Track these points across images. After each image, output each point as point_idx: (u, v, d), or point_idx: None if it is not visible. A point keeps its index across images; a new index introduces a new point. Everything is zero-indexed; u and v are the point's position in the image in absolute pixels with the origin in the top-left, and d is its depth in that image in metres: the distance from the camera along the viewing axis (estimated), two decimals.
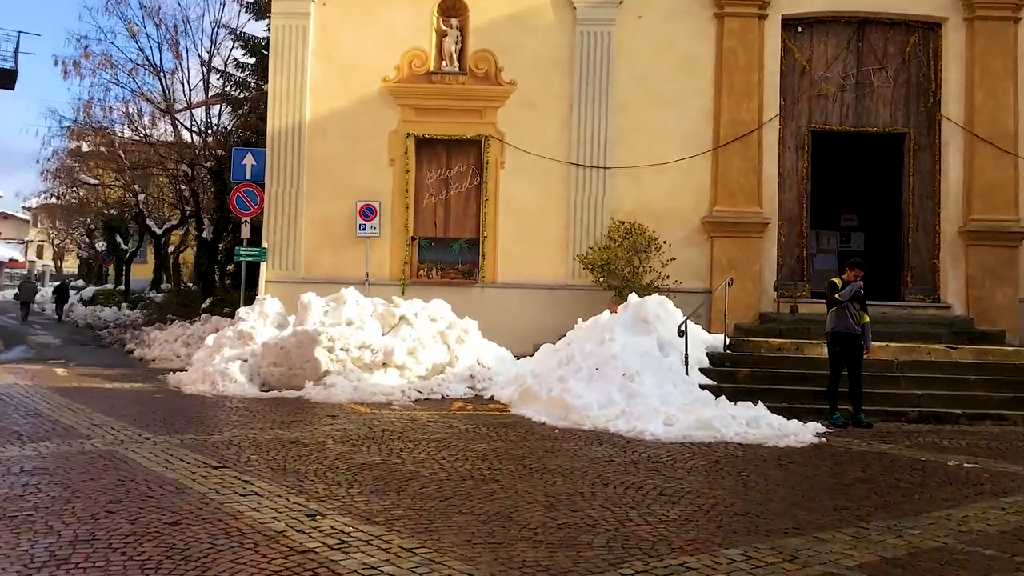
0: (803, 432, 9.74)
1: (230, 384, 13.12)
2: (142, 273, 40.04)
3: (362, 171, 16.53)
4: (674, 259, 15.38)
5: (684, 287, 15.02)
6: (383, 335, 13.80)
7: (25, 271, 66.44)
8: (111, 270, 45.21)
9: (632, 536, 5.49)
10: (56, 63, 25.47)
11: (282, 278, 16.47)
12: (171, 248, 36.97)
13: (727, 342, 12.83)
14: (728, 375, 12.14)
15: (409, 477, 7.08)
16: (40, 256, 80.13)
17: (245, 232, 17.69)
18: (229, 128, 26.46)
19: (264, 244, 16.69)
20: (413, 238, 16.71)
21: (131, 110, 27.24)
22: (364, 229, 16.35)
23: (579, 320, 13.33)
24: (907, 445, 9.58)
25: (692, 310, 12.80)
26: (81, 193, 37.65)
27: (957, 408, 11.38)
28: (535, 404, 11.16)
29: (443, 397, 12.68)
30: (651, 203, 16.08)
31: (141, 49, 25.08)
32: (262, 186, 17.03)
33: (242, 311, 14.97)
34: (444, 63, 16.79)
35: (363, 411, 11.26)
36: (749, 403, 10.64)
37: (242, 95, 26.91)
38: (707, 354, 12.46)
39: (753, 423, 9.77)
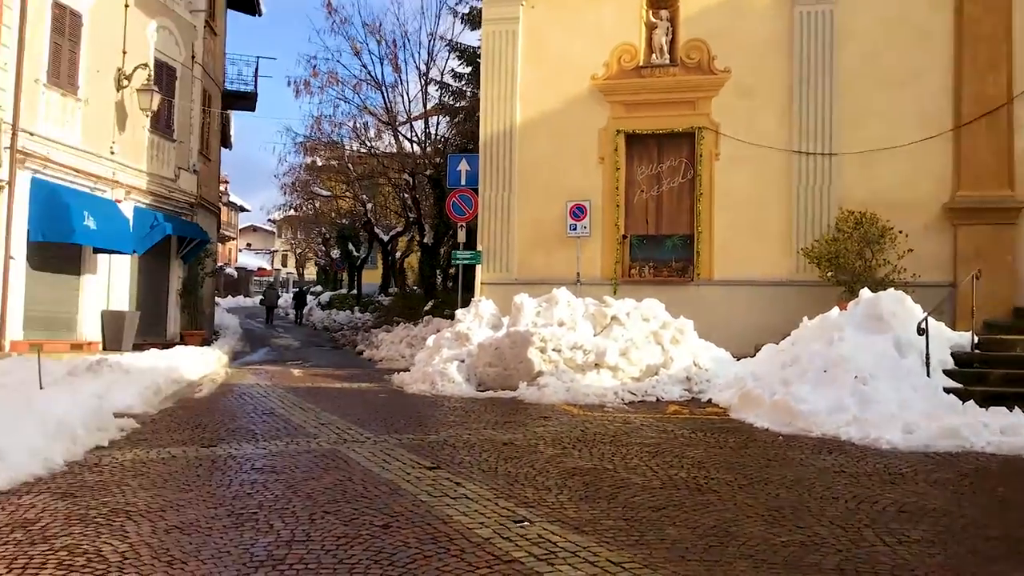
0: None
1: (448, 384, 13.41)
2: (372, 278, 42.26)
3: (571, 171, 16.46)
4: (911, 250, 14.15)
5: (923, 281, 13.78)
6: (595, 335, 13.61)
7: (271, 279, 72.20)
8: (345, 276, 48.07)
9: (867, 559, 4.92)
10: (289, 84, 27.34)
11: (497, 280, 16.70)
12: (398, 254, 38.74)
13: (975, 341, 11.56)
14: (977, 377, 10.91)
15: (620, 484, 6.80)
16: (284, 264, 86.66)
17: (461, 236, 18.10)
18: (447, 136, 27.31)
19: (479, 247, 16.99)
20: (624, 236, 16.42)
21: (357, 124, 28.86)
22: (575, 229, 16.25)
23: (804, 318, 12.50)
24: None
25: (933, 306, 11.65)
26: (316, 205, 40.32)
27: None
28: (756, 408, 10.53)
29: (657, 399, 12.30)
30: (883, 190, 14.89)
31: (364, 65, 26.46)
32: (476, 191, 17.36)
33: (459, 313, 15.29)
34: (654, 56, 16.41)
35: (575, 413, 11.10)
36: (1003, 409, 9.48)
37: (459, 104, 27.75)
38: (952, 354, 11.27)
39: (1009, 431, 8.68)
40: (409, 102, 26.74)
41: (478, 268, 17.01)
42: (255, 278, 74.05)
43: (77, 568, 4.59)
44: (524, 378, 13.03)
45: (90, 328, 18.36)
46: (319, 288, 53.14)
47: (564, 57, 16.66)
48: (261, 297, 42.77)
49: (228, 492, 6.41)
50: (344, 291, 45.22)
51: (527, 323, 14.02)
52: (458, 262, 17.77)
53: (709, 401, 12.12)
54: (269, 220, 77.37)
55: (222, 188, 68.69)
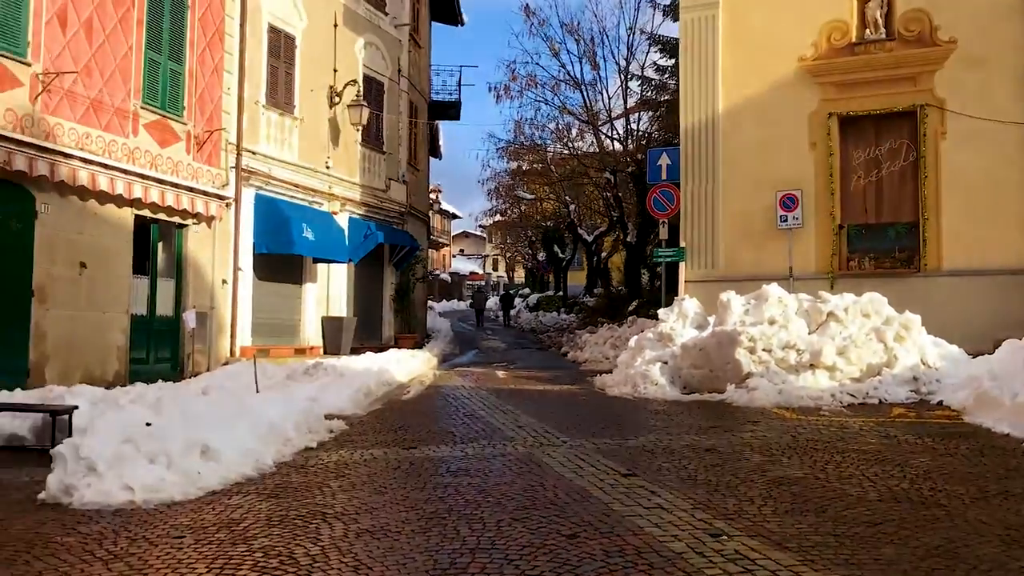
0: None
1: (651, 386, 13.02)
2: (578, 279, 42.35)
3: (780, 159, 15.58)
4: None
5: None
6: (809, 334, 12.74)
7: (482, 283, 74.25)
8: (551, 277, 48.52)
9: None
10: (490, 90, 27.83)
11: (701, 277, 16.09)
12: (603, 254, 38.58)
13: None
14: None
15: (832, 495, 6.19)
16: (495, 268, 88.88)
17: (663, 233, 17.62)
18: (649, 132, 26.81)
19: (682, 244, 16.44)
20: (841, 226, 15.34)
21: (559, 125, 28.98)
22: (785, 221, 15.36)
23: None
24: None
25: None
26: (521, 208, 40.92)
27: None
28: (995, 411, 9.40)
29: (880, 402, 11.32)
30: None
31: (563, 65, 26.47)
32: (678, 185, 16.83)
33: (662, 312, 14.84)
34: (868, 31, 15.25)
35: (787, 417, 10.40)
36: None
37: (661, 98, 27.19)
38: None
39: None
40: (609, 99, 26.52)
41: (682, 266, 16.46)
42: (467, 282, 76.39)
43: (270, 571, 4.67)
44: (732, 380, 12.40)
45: (312, 333, 19.44)
46: (527, 290, 53.98)
47: (768, 39, 15.80)
48: (471, 300, 44.03)
49: (421, 495, 6.40)
50: (551, 293, 45.63)
51: (734, 322, 13.35)
52: (660, 260, 17.30)
53: (939, 403, 11.00)
54: (479, 226, 79.46)
55: (434, 196, 71.43)
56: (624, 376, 13.84)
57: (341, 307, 20.46)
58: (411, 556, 4.87)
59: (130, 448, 6.63)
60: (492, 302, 49.26)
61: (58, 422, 8.40)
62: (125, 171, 13.77)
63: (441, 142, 34.87)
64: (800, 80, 15.58)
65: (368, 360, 16.09)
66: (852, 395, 11.54)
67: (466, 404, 12.13)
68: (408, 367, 16.54)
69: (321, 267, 19.70)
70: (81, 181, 12.85)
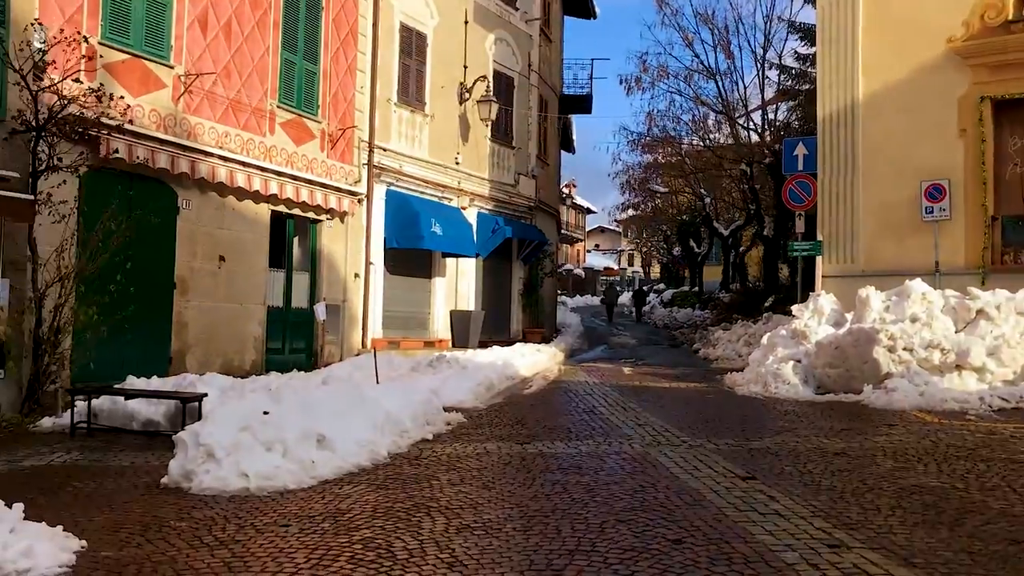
0: None
1: (782, 385, 12.49)
2: (714, 274, 41.34)
3: (925, 147, 14.60)
4: None
5: None
6: (955, 332, 11.91)
7: (616, 278, 73.69)
8: (687, 273, 47.57)
9: None
10: (621, 82, 27.45)
11: (839, 272, 15.30)
12: (741, 248, 37.49)
13: None
14: None
15: (970, 508, 5.70)
16: (631, 264, 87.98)
17: (799, 226, 16.90)
18: (786, 122, 25.83)
19: (818, 237, 15.70)
20: (994, 218, 14.26)
21: (696, 117, 28.30)
22: (931, 212, 14.42)
23: None
24: None
25: None
26: (656, 202, 40.25)
27: None
28: None
29: None
30: None
31: (696, 55, 25.79)
32: (815, 176, 16.08)
33: (796, 308, 14.24)
34: None
35: (928, 421, 9.73)
36: None
37: (800, 87, 26.16)
38: None
39: None
40: (745, 88, 25.69)
41: (818, 260, 15.70)
42: (601, 278, 75.89)
43: (365, 563, 4.66)
44: (869, 380, 11.73)
45: (441, 327, 19.69)
46: (662, 286, 53.16)
47: (913, 20, 14.83)
48: (602, 296, 43.75)
49: (527, 492, 6.29)
50: (685, 288, 44.74)
51: (873, 319, 12.64)
52: (796, 254, 16.56)
53: None
54: (614, 221, 78.94)
55: (567, 191, 71.36)
56: (755, 374, 13.34)
57: (469, 301, 20.63)
58: (508, 555, 4.77)
59: (247, 436, 6.81)
60: (625, 298, 48.74)
61: (188, 409, 8.76)
62: (262, 168, 14.28)
63: (574, 136, 34.72)
64: (948, 63, 14.54)
65: (493, 354, 16.15)
66: (1004, 399, 10.69)
67: (587, 400, 11.96)
68: (532, 361, 16.50)
69: (450, 261, 19.92)
70: (220, 178, 13.40)
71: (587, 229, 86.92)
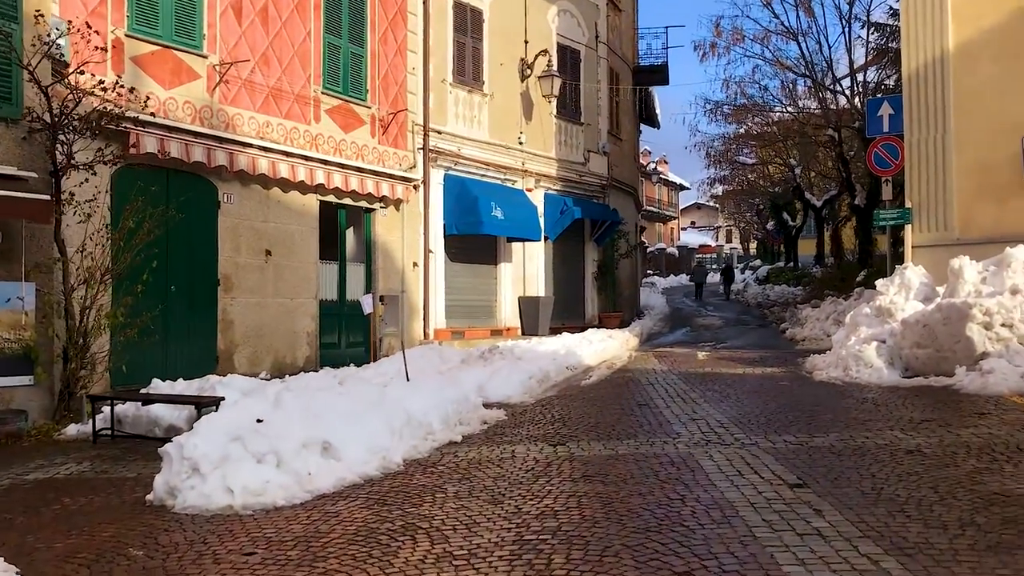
0: None
1: (864, 369, 11.34)
2: (809, 249, 39.45)
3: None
4: None
5: None
6: None
7: (712, 256, 71.70)
8: (781, 248, 45.64)
9: None
10: (695, 48, 26.10)
11: (931, 241, 13.92)
12: (837, 221, 35.55)
13: None
14: None
15: None
16: (729, 240, 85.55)
17: (886, 192, 15.52)
18: (877, 81, 24.07)
19: (907, 204, 14.32)
20: None
21: (783, 83, 26.70)
22: None
23: None
24: None
25: None
26: (746, 175, 38.52)
27: None
28: None
29: None
30: None
31: (775, 15, 24.27)
32: (902, 138, 14.68)
33: (880, 283, 12.98)
34: None
35: None
36: None
37: (892, 44, 24.33)
38: None
39: None
40: (829, 48, 24.08)
41: (907, 229, 14.34)
42: (696, 256, 73.94)
43: None
44: (962, 361, 10.48)
45: (509, 314, 19.02)
46: (757, 262, 51.22)
47: None
48: (691, 274, 42.41)
49: (536, 507, 5.53)
50: (780, 264, 42.87)
51: (968, 292, 11.35)
52: (882, 223, 15.18)
53: None
54: (710, 197, 77.19)
55: (661, 168, 69.60)
56: (836, 357, 12.19)
57: (539, 286, 19.88)
58: None
59: (237, 447, 6.26)
60: (715, 277, 47.14)
61: (205, 414, 8.30)
62: (307, 158, 13.84)
63: (658, 110, 33.42)
64: None
65: (556, 342, 15.39)
66: None
67: (646, 391, 11.08)
68: (600, 348, 15.66)
69: (516, 246, 19.20)
70: (262, 169, 13.00)
71: (681, 206, 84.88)
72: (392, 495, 6.09)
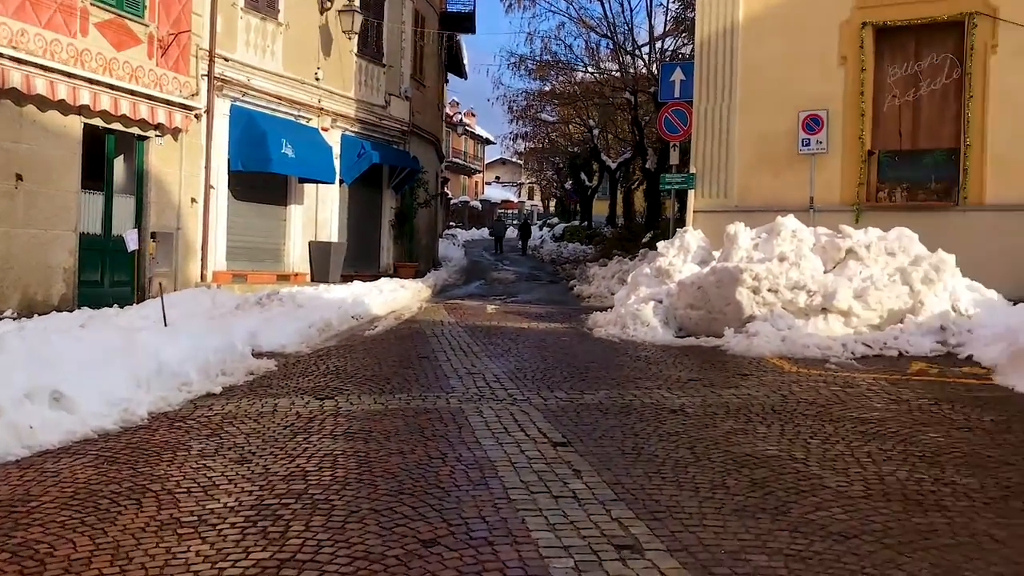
0: None
1: (641, 328, 11.61)
2: (604, 209, 40.67)
3: (805, 75, 13.79)
4: None
5: None
6: (825, 273, 11.19)
7: (514, 211, 72.71)
8: (578, 207, 46.82)
9: None
10: None
11: (712, 207, 14.50)
12: (632, 184, 36.75)
13: None
14: None
15: (804, 487, 4.79)
16: (531, 197, 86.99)
17: (674, 157, 16.01)
18: (675, 50, 24.81)
19: (692, 169, 14.80)
20: (871, 152, 13.59)
21: (587, 44, 26.97)
22: (808, 144, 13.66)
23: None
24: None
25: None
26: (548, 133, 38.96)
27: None
28: None
29: (900, 354, 9.80)
30: None
31: None
32: (692, 104, 15.11)
33: (661, 245, 13.35)
34: None
35: (786, 369, 8.96)
36: None
37: (691, 14, 25.09)
38: None
39: None
40: (631, 11, 24.53)
41: (690, 194, 14.85)
42: (499, 211, 74.74)
43: None
44: (731, 323, 10.94)
45: (298, 259, 18.22)
46: (555, 220, 52.36)
47: None
48: (490, 229, 42.86)
49: (284, 468, 5.11)
50: (576, 223, 44.01)
51: (741, 257, 11.84)
52: (668, 187, 15.67)
53: (968, 358, 9.44)
54: (514, 152, 77.85)
55: (468, 121, 69.35)
56: (616, 315, 12.43)
57: (332, 231, 19.18)
58: (195, 569, 3.58)
59: None
60: (513, 231, 47.84)
61: None
62: (70, 75, 12.45)
63: (465, 60, 32.99)
64: None
65: (345, 291, 14.87)
66: (867, 345, 10.04)
67: (429, 344, 10.84)
68: (391, 299, 15.29)
69: (309, 188, 18.37)
70: (13, 83, 11.55)
71: (487, 161, 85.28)
72: (127, 452, 5.47)
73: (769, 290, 10.92)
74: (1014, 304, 10.87)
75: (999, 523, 4.21)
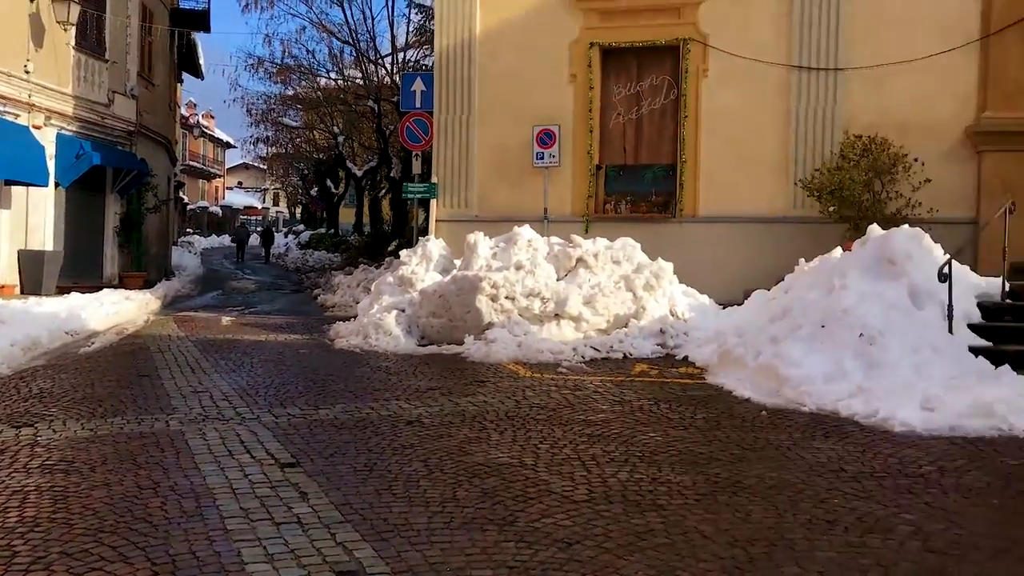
0: None
1: (383, 337, 11.46)
2: (351, 217, 40.23)
3: (539, 91, 14.30)
4: (928, 181, 12.10)
5: (942, 216, 11.78)
6: (558, 280, 11.63)
7: (259, 218, 70.23)
8: (324, 214, 46.01)
9: None
10: None
11: (453, 216, 14.67)
12: (380, 192, 36.56)
13: (1006, 288, 9.57)
14: (1010, 334, 8.93)
15: (532, 494, 4.88)
16: (276, 203, 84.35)
17: (416, 166, 16.07)
18: (418, 60, 24.99)
19: (434, 179, 14.91)
20: (599, 167, 14.33)
21: (331, 51, 26.53)
22: (542, 158, 14.15)
23: (801, 260, 10.57)
24: None
25: (954, 246, 9.67)
26: (292, 138, 37.92)
27: None
28: (738, 371, 8.59)
29: (625, 356, 10.36)
30: (896, 111, 12.78)
31: None
32: (433, 114, 15.23)
33: (404, 254, 13.32)
34: None
35: (522, 374, 9.19)
36: None
37: (432, 25, 25.38)
38: (978, 305, 9.27)
39: None
40: (373, 19, 24.41)
41: (433, 203, 14.95)
42: (242, 217, 71.86)
43: None
44: (471, 330, 11.08)
45: (5, 268, 16.40)
46: (301, 227, 51.14)
47: None
48: (232, 235, 41.15)
49: None
50: (323, 231, 43.22)
51: (480, 266, 12.04)
52: (410, 196, 15.73)
53: (685, 359, 10.17)
54: (257, 157, 75.24)
55: (206, 123, 66.06)
56: (359, 325, 12.22)
57: (46, 239, 17.44)
58: None
59: None
60: (256, 238, 46.23)
61: None
62: None
63: (201, 59, 31.33)
64: (562, 5, 14.27)
65: (60, 304, 13.55)
66: (596, 348, 10.54)
67: (153, 360, 10.09)
68: (114, 311, 14.11)
69: (18, 191, 16.59)
70: None
71: (228, 165, 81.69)
72: None
73: (507, 297, 11.18)
74: (724, 308, 11.83)
75: (707, 519, 4.49)
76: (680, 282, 12.03)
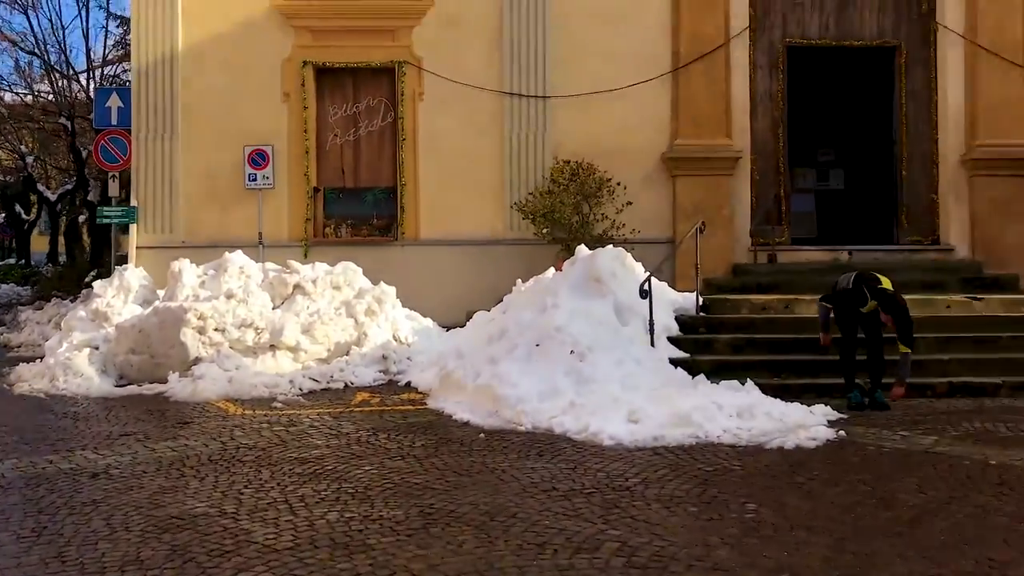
0: (812, 421, 7.32)
1: (74, 379, 10.25)
2: (44, 246, 36.47)
3: (250, 110, 13.54)
4: (630, 203, 12.80)
5: (644, 237, 12.48)
6: (274, 309, 11.05)
7: None
8: (14, 243, 41.38)
9: None
10: None
11: (157, 243, 13.52)
12: (79, 217, 33.39)
13: (700, 302, 10.29)
14: (704, 345, 9.61)
15: (229, 548, 4.41)
16: None
17: (113, 188, 14.72)
18: (118, 75, 23.12)
19: (133, 202, 13.71)
20: (316, 189, 13.83)
21: (18, 64, 23.91)
22: (254, 180, 13.43)
23: (518, 281, 10.77)
24: (955, 435, 7.14)
25: (654, 264, 10.28)
26: None
27: (996, 376, 9.01)
28: (458, 395, 8.52)
29: (346, 386, 9.99)
30: (600, 137, 13.38)
31: None
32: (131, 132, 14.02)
33: (98, 285, 12.10)
34: None
35: (231, 412, 8.56)
36: (735, 382, 8.18)
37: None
38: (676, 319, 9.91)
39: (746, 414, 7.25)
40: (64, 29, 22.31)
41: (132, 229, 13.72)
42: None
43: None
44: (176, 367, 10.18)
45: None
46: None
47: None
48: None
49: None
50: (12, 261, 38.81)
51: (186, 296, 11.17)
52: (106, 220, 14.35)
53: (408, 384, 9.97)
54: None
55: None
56: (45, 367, 10.87)
57: None
58: None
59: None
60: None
61: None
62: None
63: None
64: (273, 21, 13.63)
65: None
66: (315, 379, 10.07)
67: None
68: None
69: None
70: None
71: None
72: None
73: (216, 329, 10.42)
74: (447, 330, 11.80)
75: (419, 555, 4.28)
76: (404, 306, 11.86)
